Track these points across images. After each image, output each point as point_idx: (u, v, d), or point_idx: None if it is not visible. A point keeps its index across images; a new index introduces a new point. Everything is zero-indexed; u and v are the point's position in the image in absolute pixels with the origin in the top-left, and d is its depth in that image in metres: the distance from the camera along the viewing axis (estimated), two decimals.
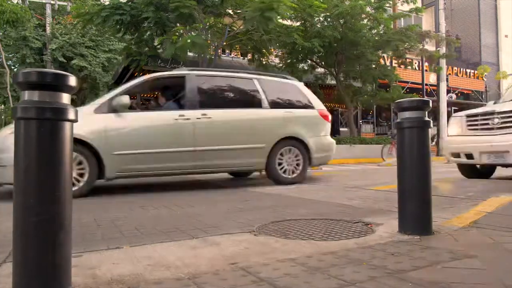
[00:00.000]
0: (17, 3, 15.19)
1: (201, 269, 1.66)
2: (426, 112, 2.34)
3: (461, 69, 22.47)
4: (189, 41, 10.08)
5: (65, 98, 1.44)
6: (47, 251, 1.35)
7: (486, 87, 23.44)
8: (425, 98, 14.70)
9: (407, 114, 2.32)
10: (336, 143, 12.93)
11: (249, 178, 7.18)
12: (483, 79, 22.92)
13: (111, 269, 1.69)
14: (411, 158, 2.28)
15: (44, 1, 15.41)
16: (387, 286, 1.36)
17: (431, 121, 2.33)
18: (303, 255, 1.83)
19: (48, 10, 15.30)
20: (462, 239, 2.07)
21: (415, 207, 2.26)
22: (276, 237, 2.26)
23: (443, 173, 7.76)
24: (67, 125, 1.43)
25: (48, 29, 15.14)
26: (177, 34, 10.83)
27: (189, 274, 1.59)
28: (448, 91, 21.15)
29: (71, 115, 1.43)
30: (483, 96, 23.62)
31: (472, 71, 22.71)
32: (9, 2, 13.76)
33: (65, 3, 16.23)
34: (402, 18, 14.29)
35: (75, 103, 20.63)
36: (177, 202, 4.01)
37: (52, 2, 15.52)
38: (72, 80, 1.44)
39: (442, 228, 2.38)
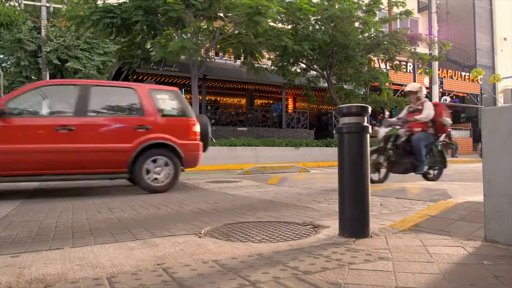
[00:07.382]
0: (13, 5, 15.33)
1: (125, 269, 1.73)
2: (365, 118, 2.41)
3: (456, 72, 22.51)
4: (179, 44, 10.17)
5: None
6: None
7: (481, 90, 23.45)
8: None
9: (346, 120, 2.38)
10: (325, 146, 13.03)
11: (237, 181, 7.20)
12: (478, 82, 22.93)
13: (39, 268, 1.76)
14: (349, 163, 2.35)
15: (39, 4, 15.55)
16: (283, 287, 1.43)
17: (370, 127, 2.39)
18: (230, 257, 1.90)
19: (43, 13, 15.43)
20: (392, 242, 2.13)
21: (353, 211, 2.32)
22: (217, 239, 2.33)
23: None
24: None
25: (43, 31, 15.26)
26: (168, 37, 10.91)
27: (109, 274, 1.66)
28: (444, 94, 21.20)
29: None
30: (478, 99, 23.64)
31: (467, 74, 22.74)
32: (7, 5, 13.91)
33: (60, 6, 16.36)
34: (398, 21, 14.36)
35: None
36: (147, 204, 4.08)
37: (47, 4, 15.65)
38: None
39: (382, 231, 2.45)
